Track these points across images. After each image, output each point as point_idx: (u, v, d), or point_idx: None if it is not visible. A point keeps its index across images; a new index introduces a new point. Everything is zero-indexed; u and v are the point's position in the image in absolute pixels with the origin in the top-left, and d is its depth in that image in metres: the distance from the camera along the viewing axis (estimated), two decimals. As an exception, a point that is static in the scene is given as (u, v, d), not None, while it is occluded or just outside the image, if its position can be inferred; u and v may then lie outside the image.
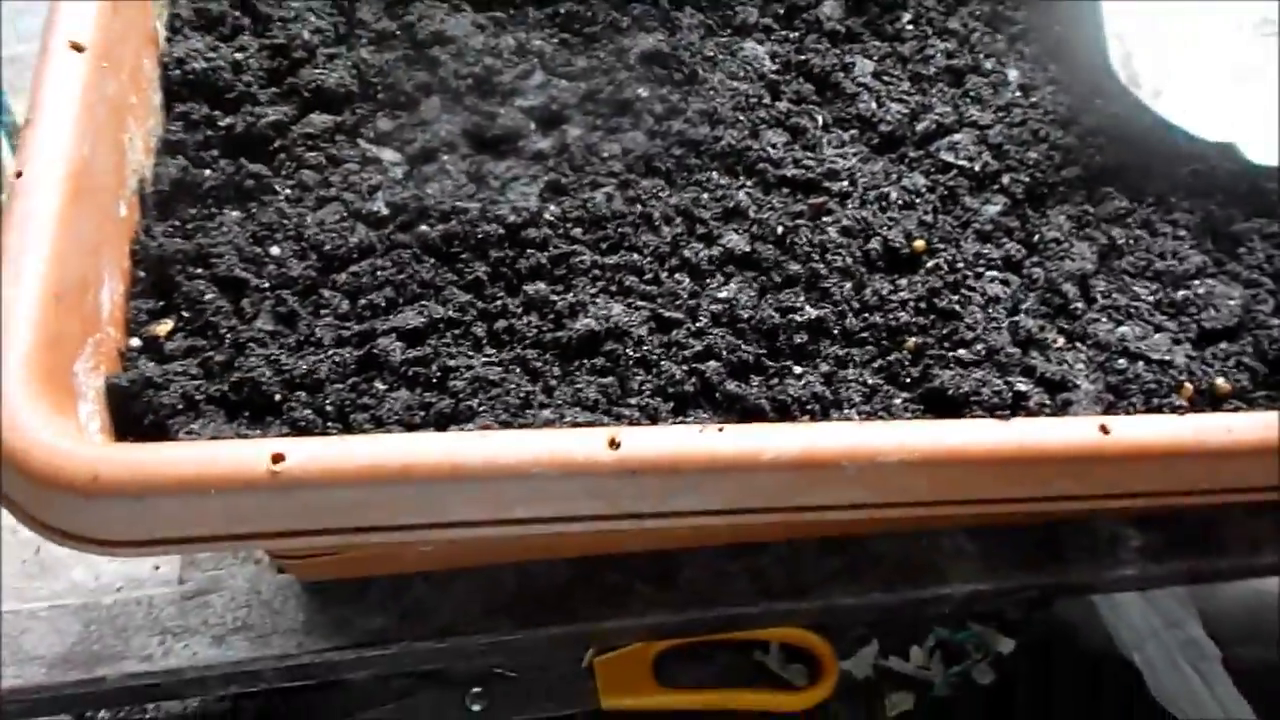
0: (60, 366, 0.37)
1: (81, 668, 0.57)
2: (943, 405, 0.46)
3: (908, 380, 0.47)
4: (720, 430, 0.39)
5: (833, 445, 0.39)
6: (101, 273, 0.42)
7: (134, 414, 0.41)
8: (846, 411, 0.45)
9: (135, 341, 0.44)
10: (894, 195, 0.54)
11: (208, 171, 0.49)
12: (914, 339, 0.48)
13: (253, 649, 0.58)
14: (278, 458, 0.35)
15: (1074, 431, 0.42)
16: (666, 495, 0.39)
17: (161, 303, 0.45)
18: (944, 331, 0.49)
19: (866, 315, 0.49)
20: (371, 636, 0.57)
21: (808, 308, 0.48)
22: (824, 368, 0.47)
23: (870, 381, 0.47)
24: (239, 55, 0.54)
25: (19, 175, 0.40)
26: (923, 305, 0.50)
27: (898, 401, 0.46)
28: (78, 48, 0.44)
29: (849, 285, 0.50)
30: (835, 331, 0.48)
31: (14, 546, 0.68)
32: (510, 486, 0.37)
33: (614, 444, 0.37)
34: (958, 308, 0.50)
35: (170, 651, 0.57)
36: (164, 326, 0.44)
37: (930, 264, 0.51)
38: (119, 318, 0.43)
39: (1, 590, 0.66)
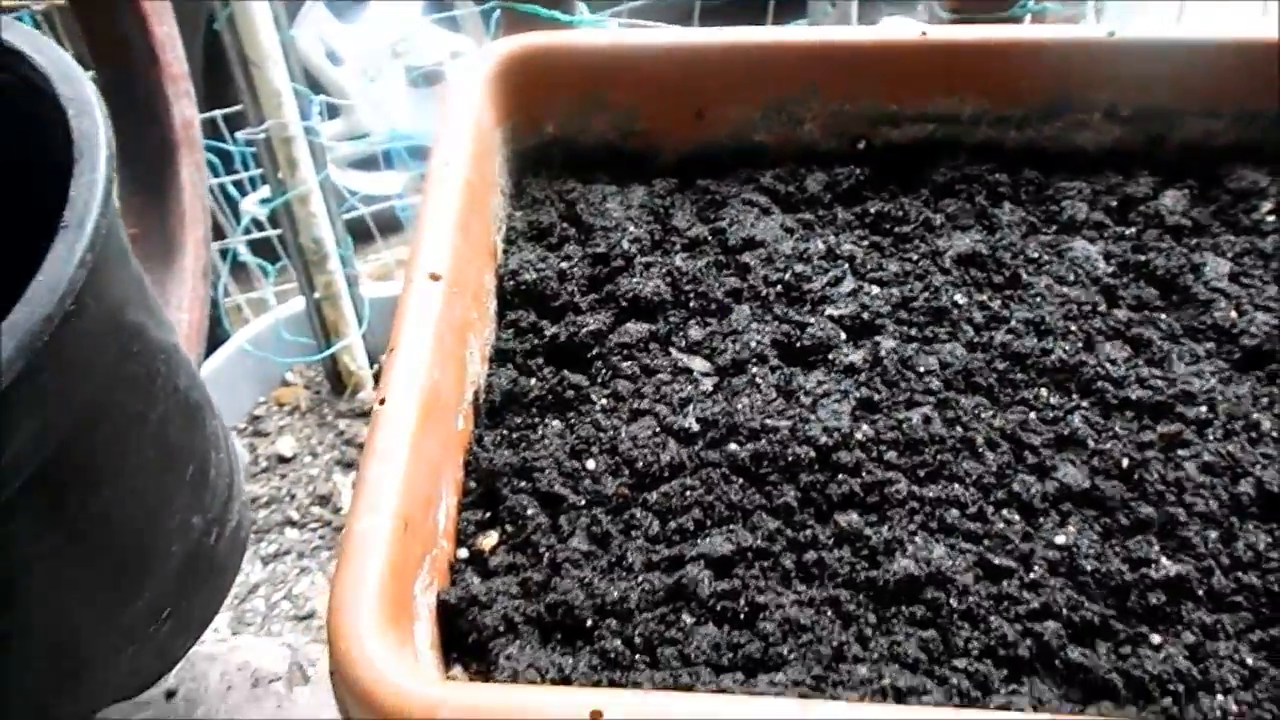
0: (403, 591, 0.40)
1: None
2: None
3: (1298, 661, 0.40)
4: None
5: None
6: (441, 489, 0.45)
7: (460, 630, 0.43)
8: (1220, 697, 0.38)
9: (463, 553, 0.46)
10: (1266, 424, 0.47)
11: (534, 381, 0.52)
12: (1303, 608, 0.41)
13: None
14: (596, 715, 0.35)
15: None
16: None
17: (488, 514, 0.47)
18: (1343, 600, 0.41)
19: (1239, 575, 0.42)
20: None
21: (1164, 561, 0.42)
22: (1188, 637, 0.40)
23: (1250, 661, 0.39)
24: (564, 265, 0.57)
25: (382, 403, 0.44)
26: (1313, 566, 0.42)
27: (1288, 689, 0.39)
28: (435, 278, 0.49)
29: (1215, 535, 0.43)
30: (1200, 593, 0.42)
31: None
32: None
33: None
34: (1360, 571, 0.42)
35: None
36: (489, 540, 0.46)
37: (1319, 513, 0.44)
38: (451, 530, 0.46)
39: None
